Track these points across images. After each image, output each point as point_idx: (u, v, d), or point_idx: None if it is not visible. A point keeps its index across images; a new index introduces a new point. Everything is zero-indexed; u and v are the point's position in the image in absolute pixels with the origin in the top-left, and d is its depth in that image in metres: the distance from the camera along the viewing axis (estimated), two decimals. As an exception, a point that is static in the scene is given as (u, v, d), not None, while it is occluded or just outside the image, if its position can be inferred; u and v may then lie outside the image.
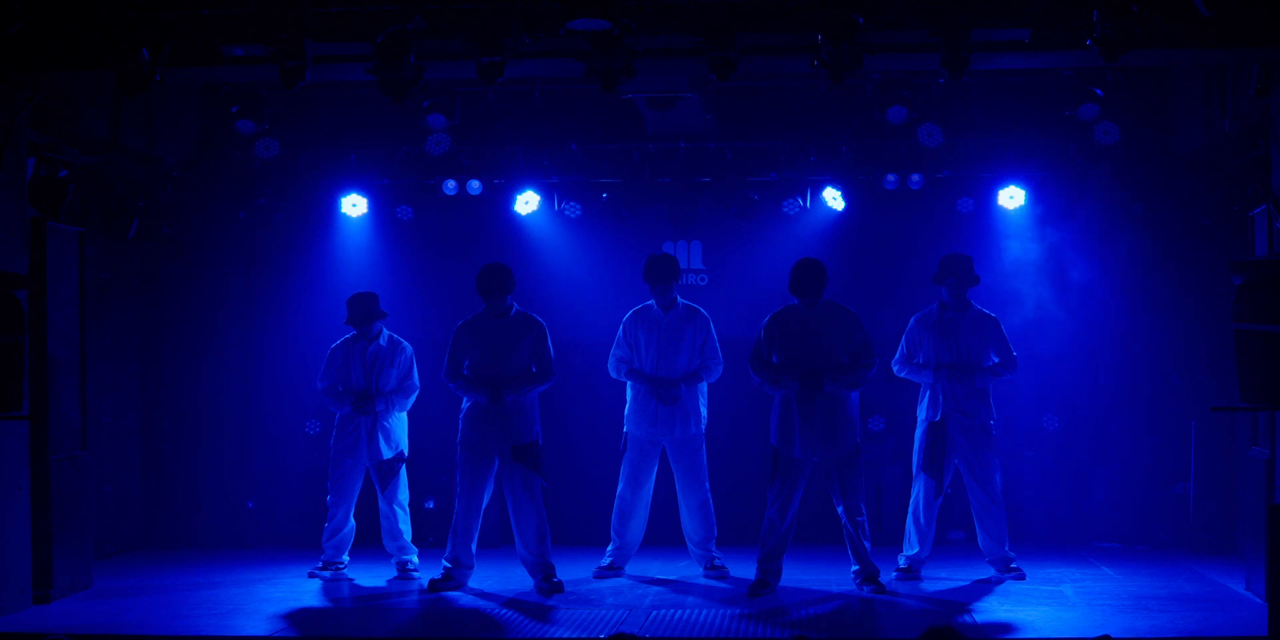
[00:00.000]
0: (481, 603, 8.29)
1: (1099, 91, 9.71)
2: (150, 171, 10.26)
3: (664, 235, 10.69)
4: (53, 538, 8.40)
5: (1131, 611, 7.80)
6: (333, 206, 10.62)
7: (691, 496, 8.99)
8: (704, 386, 9.04)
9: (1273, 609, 6.50)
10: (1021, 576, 8.74)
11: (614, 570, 9.05)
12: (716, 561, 9.00)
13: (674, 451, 8.98)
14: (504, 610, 8.06)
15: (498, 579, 8.93)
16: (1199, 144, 10.02)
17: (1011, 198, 10.22)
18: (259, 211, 10.62)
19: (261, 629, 7.60)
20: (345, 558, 9.22)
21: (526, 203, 10.45)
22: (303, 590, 8.80)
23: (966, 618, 7.71)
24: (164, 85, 7.76)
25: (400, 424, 9.20)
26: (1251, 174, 8.94)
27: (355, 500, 9.19)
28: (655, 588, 8.69)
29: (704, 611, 7.89)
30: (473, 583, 8.72)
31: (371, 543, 9.38)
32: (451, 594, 8.53)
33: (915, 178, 10.15)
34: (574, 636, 7.32)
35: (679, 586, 8.73)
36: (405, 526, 9.17)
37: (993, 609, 7.95)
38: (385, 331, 9.23)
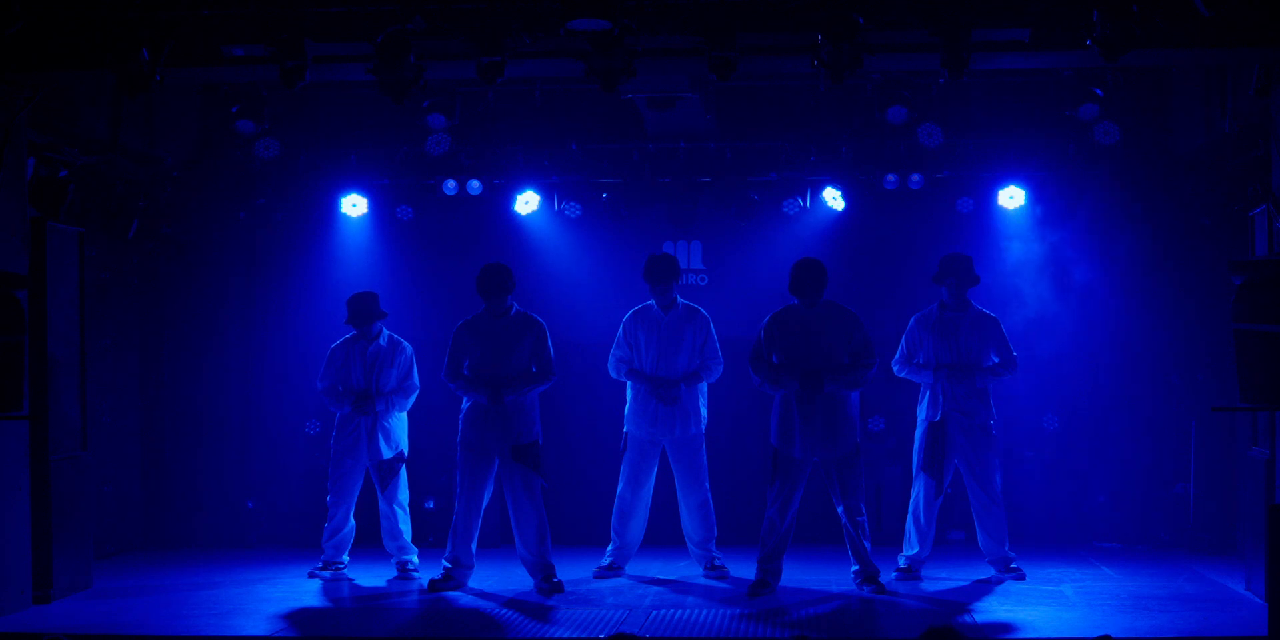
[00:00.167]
0: (481, 603, 8.29)
1: (1099, 91, 9.71)
2: (150, 171, 10.26)
3: (664, 235, 10.69)
4: (53, 538, 8.40)
5: (1131, 611, 7.80)
6: (333, 206, 10.62)
7: (691, 496, 8.99)
8: (704, 386, 9.04)
9: (1273, 609, 6.50)
10: (1021, 576, 8.74)
11: (614, 570, 9.05)
12: (716, 561, 9.00)
13: (674, 451, 8.98)
14: (504, 610, 8.06)
15: (498, 579, 8.93)
16: (1199, 144, 10.02)
17: (1011, 198, 10.22)
18: (259, 211, 10.62)
19: (261, 629, 7.60)
20: (345, 558, 9.22)
21: (526, 203, 10.45)
22: (303, 590, 8.80)
23: (966, 618, 7.71)
24: (164, 85, 7.76)
25: (400, 424, 9.20)
26: (1251, 174, 8.94)
27: (355, 500, 9.19)
28: (655, 588, 8.69)
29: (704, 611, 7.89)
30: (473, 583, 8.72)
31: (371, 543, 9.38)
32: (451, 594, 8.53)
33: (915, 178, 10.15)
34: (574, 636, 7.32)
35: (679, 586, 8.73)
36: (405, 526, 9.17)
37: (993, 609, 7.95)
38: (385, 331, 9.23)
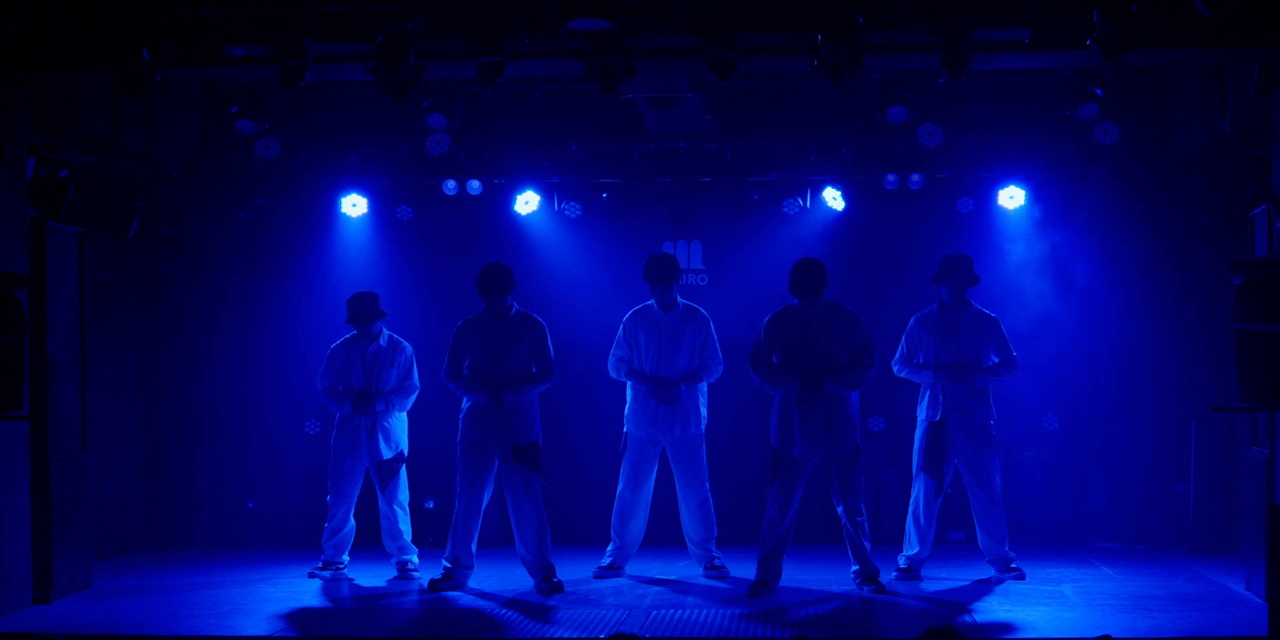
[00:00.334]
0: (481, 603, 8.29)
1: (1099, 91, 9.71)
2: (150, 171, 10.26)
3: (664, 235, 10.69)
4: (53, 538, 8.40)
5: (1131, 611, 7.80)
6: (333, 206, 10.62)
7: (691, 496, 8.99)
8: (704, 386, 9.04)
9: (1273, 609, 6.49)
10: (1021, 576, 8.74)
11: (614, 570, 9.05)
12: (716, 561, 9.00)
13: (674, 451, 8.98)
14: (504, 610, 8.06)
15: (498, 579, 8.93)
16: (1199, 144, 10.02)
17: (1011, 198, 10.22)
18: (259, 211, 10.62)
19: (261, 629, 7.60)
20: (345, 558, 9.22)
21: (526, 203, 10.45)
22: (303, 590, 8.80)
23: (966, 618, 7.71)
24: (164, 85, 7.76)
25: (400, 424, 9.20)
26: (1251, 174, 8.94)
27: (355, 500, 9.19)
28: (655, 588, 8.69)
29: (704, 611, 7.89)
30: (473, 583, 8.72)
31: (371, 543, 9.38)
32: (451, 594, 8.53)
33: (915, 178, 10.15)
34: (574, 636, 7.32)
35: (679, 586, 8.73)
36: (405, 526, 9.17)
37: (993, 609, 7.95)
38: (385, 331, 9.23)
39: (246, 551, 10.44)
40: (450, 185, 10.33)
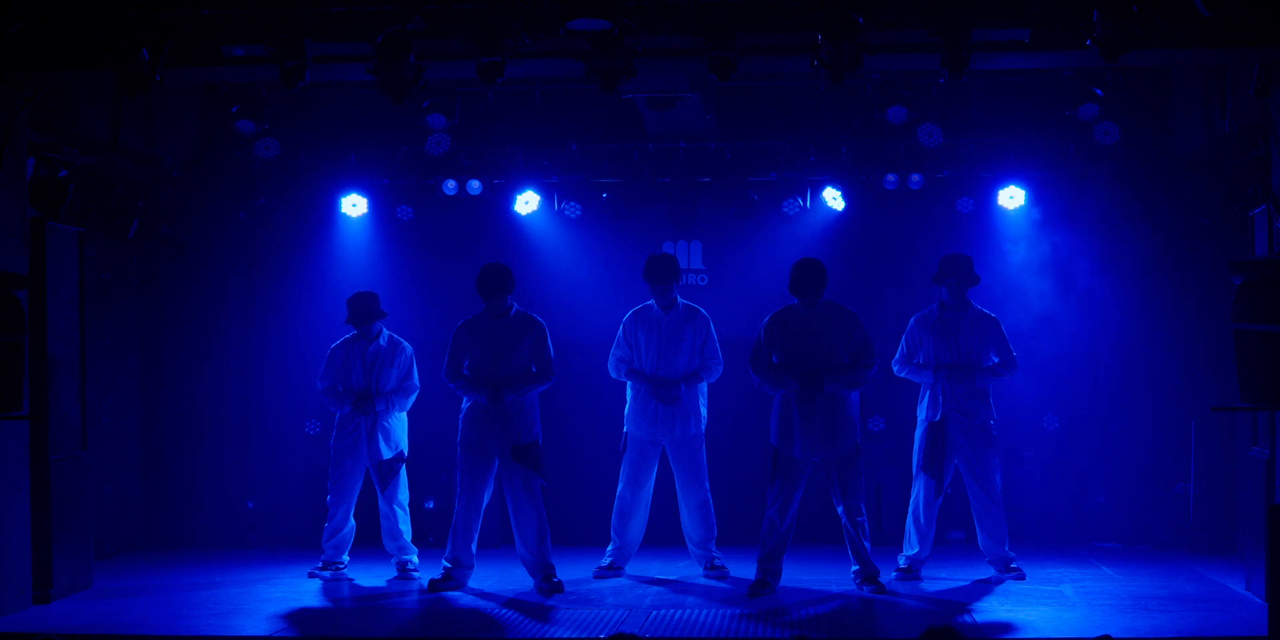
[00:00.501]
0: (481, 603, 8.29)
1: (1099, 91, 9.71)
2: (150, 171, 10.26)
3: (664, 235, 10.69)
4: (53, 538, 8.40)
5: (1131, 611, 7.80)
6: (333, 206, 10.62)
7: (691, 496, 8.99)
8: (704, 386, 9.04)
9: (1273, 609, 6.49)
10: (1021, 576, 8.74)
11: (614, 570, 9.05)
12: (716, 561, 9.00)
13: (674, 451, 8.98)
14: (504, 610, 8.06)
15: (498, 579, 8.93)
16: (1199, 144, 10.02)
17: (1011, 198, 10.22)
18: (259, 211, 10.62)
19: (261, 629, 7.60)
20: (345, 558, 9.22)
21: (526, 203, 10.45)
22: (303, 590, 8.80)
23: (966, 618, 7.71)
24: (164, 85, 7.76)
25: (400, 424, 9.20)
26: (1251, 174, 8.94)
27: (355, 500, 9.19)
28: (655, 588, 8.69)
29: (704, 611, 7.89)
30: (473, 583, 8.72)
31: (371, 543, 9.38)
32: (451, 594, 8.53)
33: (915, 178, 10.15)
34: (574, 636, 7.32)
35: (679, 586, 8.73)
36: (405, 526, 9.17)
37: (993, 609, 7.95)
38: (385, 331, 9.23)
39: (246, 551, 10.45)
40: (450, 185, 10.33)
